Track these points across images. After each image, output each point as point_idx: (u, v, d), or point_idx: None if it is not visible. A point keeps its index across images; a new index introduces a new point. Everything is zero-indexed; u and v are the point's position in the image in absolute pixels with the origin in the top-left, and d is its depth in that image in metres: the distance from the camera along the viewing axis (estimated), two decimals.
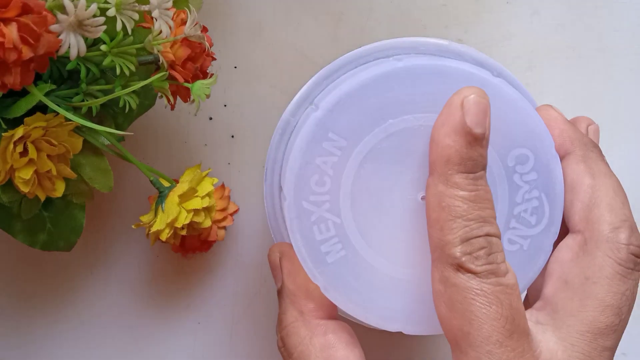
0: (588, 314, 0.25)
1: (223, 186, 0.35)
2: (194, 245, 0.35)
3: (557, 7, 0.39)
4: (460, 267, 0.24)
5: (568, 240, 0.27)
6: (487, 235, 0.25)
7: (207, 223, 0.32)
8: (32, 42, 0.24)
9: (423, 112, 0.28)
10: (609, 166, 0.28)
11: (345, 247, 0.28)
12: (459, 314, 0.24)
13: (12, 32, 0.23)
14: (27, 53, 0.24)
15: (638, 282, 0.26)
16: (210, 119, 0.38)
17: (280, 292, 0.30)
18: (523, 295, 0.29)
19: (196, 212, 0.32)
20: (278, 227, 0.31)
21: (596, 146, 0.29)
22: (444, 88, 0.27)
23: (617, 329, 0.26)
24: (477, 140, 0.25)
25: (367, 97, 0.27)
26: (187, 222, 0.31)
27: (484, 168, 0.26)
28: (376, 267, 0.29)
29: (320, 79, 0.30)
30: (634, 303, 0.26)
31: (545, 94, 0.39)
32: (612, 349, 0.26)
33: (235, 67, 0.38)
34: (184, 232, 0.32)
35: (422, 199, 0.28)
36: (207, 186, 0.33)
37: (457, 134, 0.25)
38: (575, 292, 0.26)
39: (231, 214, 0.35)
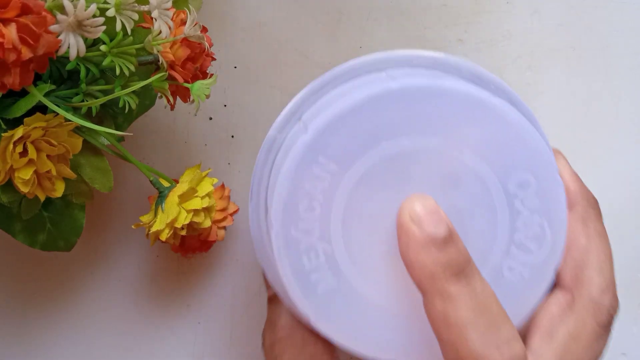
0: None
1: (223, 186, 0.35)
2: (193, 245, 0.35)
3: (557, 7, 0.39)
4: None
5: (558, 295, 0.29)
6: (509, 341, 0.24)
7: (207, 223, 0.32)
8: (32, 42, 0.24)
9: (419, 135, 0.26)
10: (603, 225, 0.29)
11: (336, 276, 0.27)
12: None
13: (11, 32, 0.23)
14: (26, 53, 0.24)
15: (607, 341, 0.28)
16: (211, 119, 0.38)
17: (273, 298, 0.30)
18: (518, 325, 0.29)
19: (196, 212, 0.32)
20: (264, 251, 0.29)
21: (596, 203, 0.30)
22: (441, 110, 0.26)
23: None
24: (446, 241, 0.25)
25: (359, 119, 0.26)
26: (187, 222, 0.31)
27: (469, 260, 0.25)
28: (368, 297, 0.27)
29: (308, 93, 0.29)
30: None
31: (545, 94, 0.39)
32: None
33: (235, 67, 0.38)
34: (183, 232, 0.32)
35: None
36: (207, 186, 0.33)
37: (424, 246, 0.25)
38: (558, 346, 0.27)
39: (231, 214, 0.35)
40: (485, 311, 0.24)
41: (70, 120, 0.28)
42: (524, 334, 0.28)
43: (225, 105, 0.38)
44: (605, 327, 0.28)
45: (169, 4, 0.27)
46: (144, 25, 0.28)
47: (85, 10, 0.25)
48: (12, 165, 0.27)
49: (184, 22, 0.29)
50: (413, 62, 0.29)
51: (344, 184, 0.26)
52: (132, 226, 0.33)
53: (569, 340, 0.27)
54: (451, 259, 0.25)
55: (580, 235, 0.29)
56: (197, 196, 0.32)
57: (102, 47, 0.27)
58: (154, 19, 0.27)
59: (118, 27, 0.26)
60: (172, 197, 0.31)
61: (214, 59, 0.31)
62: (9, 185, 0.28)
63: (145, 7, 0.27)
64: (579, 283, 0.28)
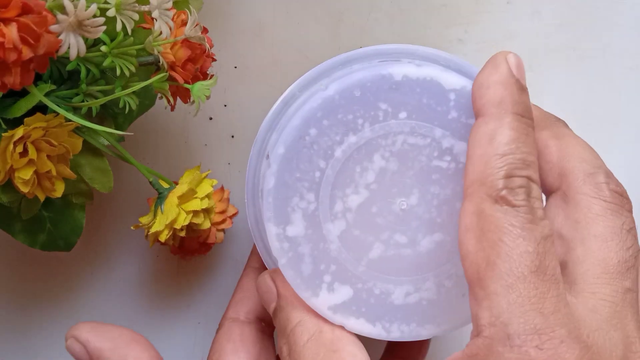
0: (594, 255, 0.24)
1: (222, 188, 0.35)
2: (192, 247, 0.35)
3: (557, 7, 0.39)
4: (500, 199, 0.24)
5: (549, 201, 0.27)
6: (529, 178, 0.24)
7: (207, 224, 0.32)
8: (32, 42, 0.24)
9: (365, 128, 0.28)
10: (576, 134, 0.28)
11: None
12: (488, 244, 0.23)
13: (12, 32, 0.23)
14: (27, 53, 0.24)
15: (633, 222, 0.25)
16: (211, 119, 0.38)
17: (277, 309, 0.29)
18: None
19: (195, 213, 0.32)
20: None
21: (559, 119, 0.29)
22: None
23: (630, 266, 0.24)
24: (524, 90, 0.26)
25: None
26: (186, 223, 0.31)
27: (532, 119, 0.25)
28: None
29: (330, 66, 0.30)
30: (637, 240, 0.25)
31: (545, 94, 0.39)
32: (634, 291, 0.24)
33: (236, 68, 0.38)
34: (183, 234, 0.32)
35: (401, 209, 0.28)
36: (206, 187, 0.32)
37: (507, 82, 0.25)
38: (572, 241, 0.25)
39: (230, 217, 0.35)
40: (525, 151, 0.24)
41: (70, 121, 0.28)
42: None
43: (225, 106, 0.38)
44: (614, 201, 0.25)
45: (170, 4, 0.27)
46: (145, 25, 0.28)
47: (86, 10, 0.25)
48: (12, 165, 0.27)
49: (184, 23, 0.29)
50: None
51: (344, 148, 0.28)
52: (132, 227, 0.33)
53: (579, 228, 0.25)
54: (523, 101, 0.25)
55: (549, 138, 0.28)
56: (196, 197, 0.32)
57: (103, 48, 0.27)
58: (154, 20, 0.27)
59: (118, 27, 0.26)
60: (172, 198, 0.31)
61: (214, 60, 0.31)
62: (9, 185, 0.28)
63: (145, 8, 0.27)
64: (563, 177, 0.27)
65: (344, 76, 0.28)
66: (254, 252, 0.35)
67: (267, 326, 0.33)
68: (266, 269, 0.31)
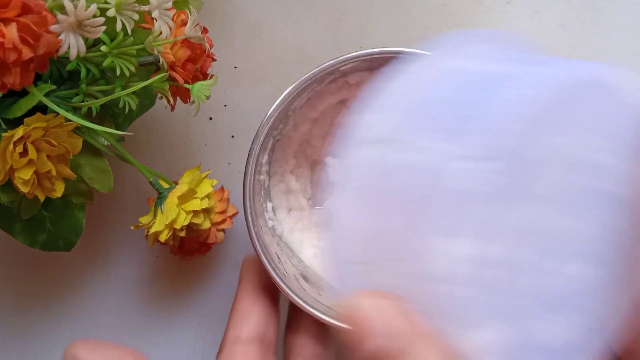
0: None
1: (222, 189, 0.35)
2: (192, 247, 0.35)
3: (557, 7, 0.39)
4: None
5: None
6: None
7: (207, 224, 0.32)
8: (32, 42, 0.24)
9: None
10: None
11: None
12: None
13: (12, 32, 0.23)
14: (27, 53, 0.24)
15: None
16: (211, 119, 0.38)
17: (403, 350, 0.21)
18: None
19: (195, 213, 0.32)
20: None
21: None
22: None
23: None
24: None
25: None
26: (186, 223, 0.31)
27: None
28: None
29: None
30: None
31: None
32: None
33: (236, 67, 0.38)
34: (183, 234, 0.32)
35: None
36: (206, 187, 0.32)
37: None
38: None
39: (230, 217, 0.35)
40: None
41: (70, 121, 0.28)
42: None
43: (225, 106, 0.38)
44: None
45: (170, 4, 0.27)
46: (145, 25, 0.28)
47: (86, 10, 0.25)
48: (12, 165, 0.27)
49: (184, 23, 0.29)
50: None
51: None
52: (132, 227, 0.33)
53: None
54: None
55: None
56: (196, 197, 0.32)
57: (103, 48, 0.27)
58: (154, 20, 0.27)
59: (118, 27, 0.26)
60: (172, 198, 0.31)
61: (214, 60, 0.31)
62: (9, 185, 0.28)
63: (145, 8, 0.27)
64: None
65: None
66: (247, 270, 0.34)
67: (268, 347, 0.32)
68: (269, 289, 0.31)
